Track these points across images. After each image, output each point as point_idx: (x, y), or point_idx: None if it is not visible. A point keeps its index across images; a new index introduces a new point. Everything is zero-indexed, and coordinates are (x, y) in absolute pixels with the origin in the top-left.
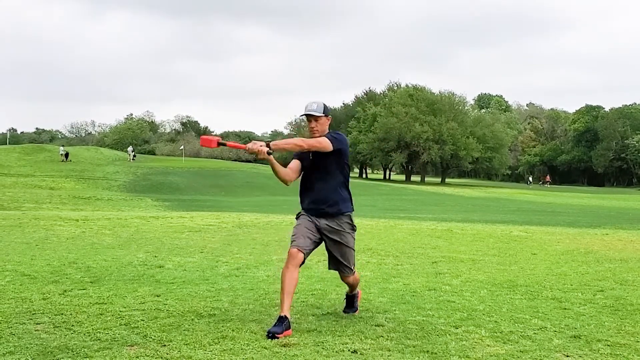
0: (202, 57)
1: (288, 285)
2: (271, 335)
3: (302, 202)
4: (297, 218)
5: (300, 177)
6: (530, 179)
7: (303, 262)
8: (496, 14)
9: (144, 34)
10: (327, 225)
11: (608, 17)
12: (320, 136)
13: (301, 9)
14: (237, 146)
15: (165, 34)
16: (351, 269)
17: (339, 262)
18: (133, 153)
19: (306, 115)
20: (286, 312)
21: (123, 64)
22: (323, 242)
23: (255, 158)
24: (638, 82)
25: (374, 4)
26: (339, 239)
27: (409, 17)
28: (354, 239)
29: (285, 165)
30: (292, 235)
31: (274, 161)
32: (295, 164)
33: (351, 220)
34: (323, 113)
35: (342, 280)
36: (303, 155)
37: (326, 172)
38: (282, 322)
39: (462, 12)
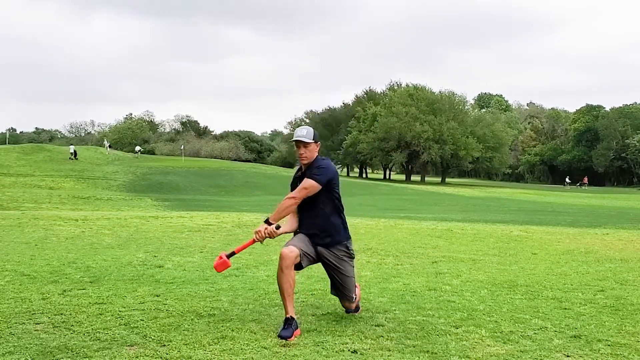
0: (194, 58)
1: (286, 289)
2: (283, 339)
3: (300, 228)
4: (294, 234)
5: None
6: (568, 179)
7: (301, 267)
8: (493, 15)
9: (136, 35)
10: (324, 252)
11: (609, 16)
12: (308, 162)
13: (286, 10)
14: (246, 245)
15: (155, 35)
16: (351, 296)
17: (339, 289)
18: (139, 150)
19: (295, 141)
20: (291, 314)
21: (117, 65)
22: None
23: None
24: (638, 81)
25: (364, 4)
26: (336, 268)
27: (397, 18)
28: (353, 267)
29: (285, 164)
30: (286, 242)
31: (284, 231)
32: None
33: (347, 249)
34: (312, 139)
35: (343, 306)
36: (298, 178)
37: (317, 204)
38: (290, 324)
39: (454, 13)
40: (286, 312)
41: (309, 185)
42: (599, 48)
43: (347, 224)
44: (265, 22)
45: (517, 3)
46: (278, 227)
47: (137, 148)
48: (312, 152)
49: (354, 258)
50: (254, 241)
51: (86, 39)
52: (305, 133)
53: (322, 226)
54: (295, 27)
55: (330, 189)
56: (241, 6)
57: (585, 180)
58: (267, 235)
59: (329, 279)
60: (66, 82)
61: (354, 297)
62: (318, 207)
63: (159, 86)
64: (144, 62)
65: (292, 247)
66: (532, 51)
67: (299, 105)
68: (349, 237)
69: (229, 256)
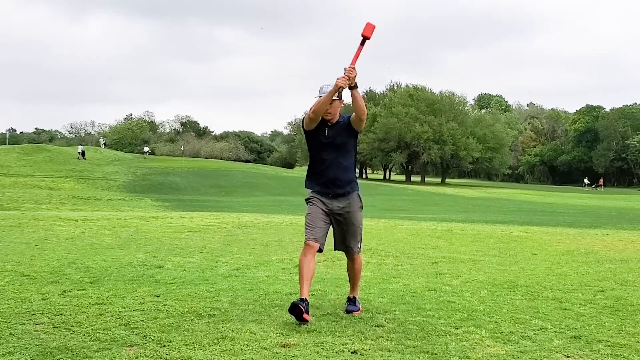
0: (193, 58)
1: (306, 273)
2: (294, 307)
3: (313, 182)
4: (307, 202)
5: (311, 156)
6: (586, 180)
7: (321, 250)
8: (493, 16)
9: (134, 36)
10: (338, 206)
11: (608, 16)
12: (332, 118)
13: (284, 11)
14: (355, 56)
15: (152, 36)
16: (358, 247)
17: (348, 240)
18: (147, 151)
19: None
20: (306, 296)
21: (116, 65)
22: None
23: (342, 78)
24: (638, 81)
25: (362, 5)
26: (349, 219)
27: (396, 18)
28: (362, 217)
29: (285, 165)
30: (306, 225)
31: (333, 95)
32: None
33: (360, 198)
34: (337, 97)
35: (348, 260)
36: (319, 131)
37: (344, 152)
38: (304, 301)
39: (454, 13)
40: (301, 294)
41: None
42: (598, 48)
43: None
44: (263, 22)
45: (516, 3)
46: (341, 90)
47: (146, 149)
48: (337, 109)
49: (363, 208)
50: (353, 62)
51: (85, 40)
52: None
53: (344, 177)
54: (294, 28)
55: (356, 139)
56: (238, 7)
57: (601, 182)
58: (346, 77)
59: (328, 272)
60: (66, 82)
61: (360, 247)
62: (346, 155)
63: (158, 87)
64: (143, 63)
65: (316, 240)
66: (531, 52)
67: (298, 106)
68: (359, 189)
69: (366, 40)
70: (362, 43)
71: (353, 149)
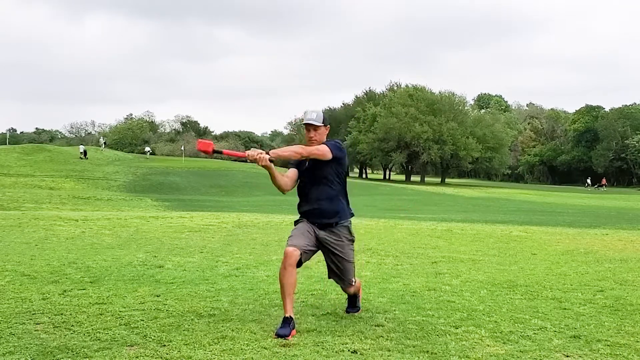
0: (193, 59)
1: (287, 287)
2: (280, 337)
3: (300, 212)
4: (295, 224)
5: (297, 185)
6: (589, 181)
7: (301, 263)
8: (493, 16)
9: (134, 36)
10: (326, 237)
11: (608, 16)
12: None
13: (284, 11)
14: (235, 154)
15: (151, 36)
16: (351, 281)
17: (338, 275)
18: (149, 151)
19: (305, 124)
20: (290, 313)
21: (116, 65)
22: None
23: (257, 163)
24: (638, 81)
25: (362, 5)
26: (337, 252)
27: (396, 18)
28: (353, 250)
29: (285, 165)
30: (289, 237)
31: (274, 169)
32: (293, 172)
33: (349, 231)
34: (322, 123)
35: (343, 290)
36: (301, 163)
37: (324, 181)
38: (289, 323)
39: (454, 14)
40: (285, 312)
41: (321, 148)
42: (598, 48)
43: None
44: (263, 23)
45: (516, 3)
46: (271, 162)
47: (147, 149)
48: (322, 135)
49: (354, 241)
50: (244, 155)
51: (85, 40)
52: (315, 117)
53: (329, 207)
54: (294, 28)
55: (338, 166)
56: (238, 7)
57: (604, 181)
58: (258, 158)
59: (326, 280)
60: (66, 82)
61: (354, 281)
62: (326, 185)
63: (158, 87)
64: (143, 63)
65: (295, 247)
66: (531, 52)
67: (298, 106)
68: (352, 214)
69: (214, 151)
70: (218, 152)
71: (336, 174)
